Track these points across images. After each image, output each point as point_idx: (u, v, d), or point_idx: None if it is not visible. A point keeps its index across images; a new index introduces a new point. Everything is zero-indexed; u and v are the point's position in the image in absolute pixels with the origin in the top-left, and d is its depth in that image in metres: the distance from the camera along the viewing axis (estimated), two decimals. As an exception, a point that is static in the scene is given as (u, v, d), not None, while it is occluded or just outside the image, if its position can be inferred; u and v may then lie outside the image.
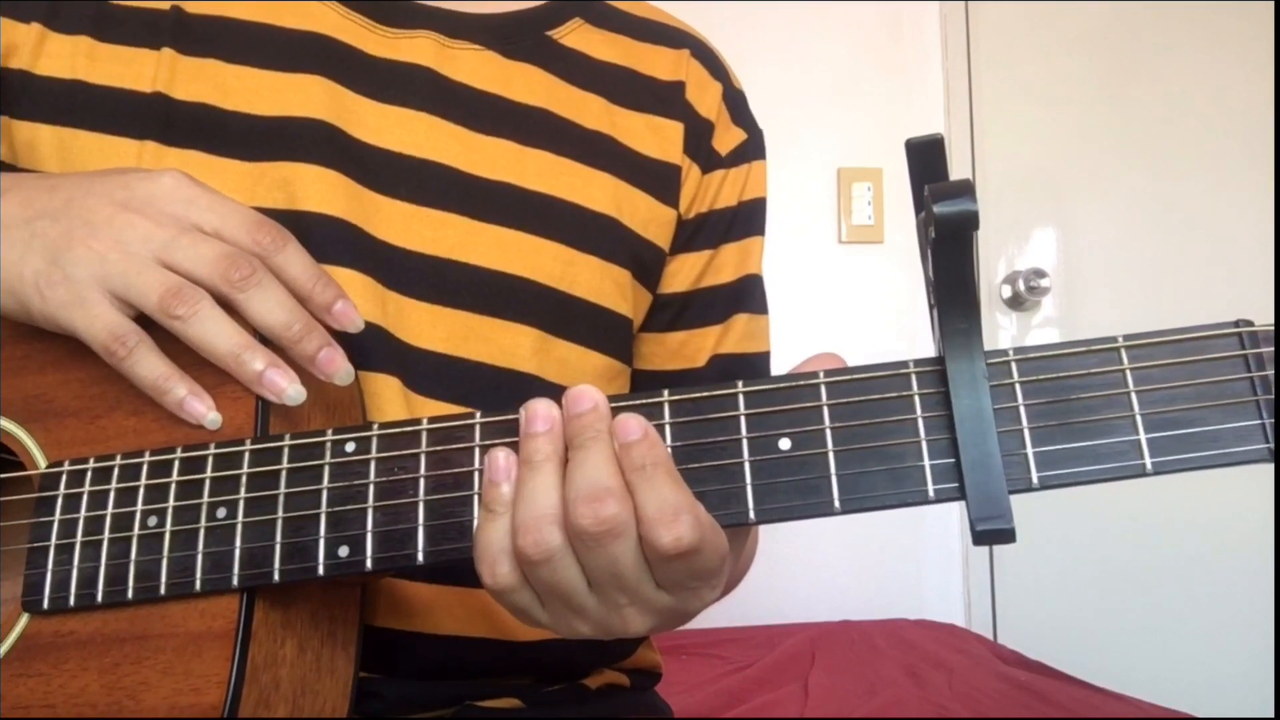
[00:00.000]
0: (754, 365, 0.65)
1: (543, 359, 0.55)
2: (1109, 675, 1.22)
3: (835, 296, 1.74)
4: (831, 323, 1.74)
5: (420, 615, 0.52)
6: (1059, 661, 1.28)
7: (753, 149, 0.65)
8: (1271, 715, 1.60)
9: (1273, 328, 0.34)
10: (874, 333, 1.74)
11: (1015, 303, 1.78)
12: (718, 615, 1.56)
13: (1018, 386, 0.35)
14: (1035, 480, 0.33)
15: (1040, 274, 1.75)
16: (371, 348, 0.50)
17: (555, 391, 0.55)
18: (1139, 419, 0.33)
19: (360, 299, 0.50)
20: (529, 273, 0.54)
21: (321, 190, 0.51)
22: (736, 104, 0.65)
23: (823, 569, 1.66)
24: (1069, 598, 1.71)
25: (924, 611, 1.59)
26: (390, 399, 0.50)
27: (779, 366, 0.67)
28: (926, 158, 0.33)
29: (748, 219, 0.64)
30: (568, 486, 0.36)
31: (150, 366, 0.42)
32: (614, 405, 0.37)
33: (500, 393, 0.53)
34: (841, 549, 1.66)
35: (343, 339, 0.44)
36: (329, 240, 0.50)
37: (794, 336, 1.78)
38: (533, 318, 0.54)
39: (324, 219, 0.51)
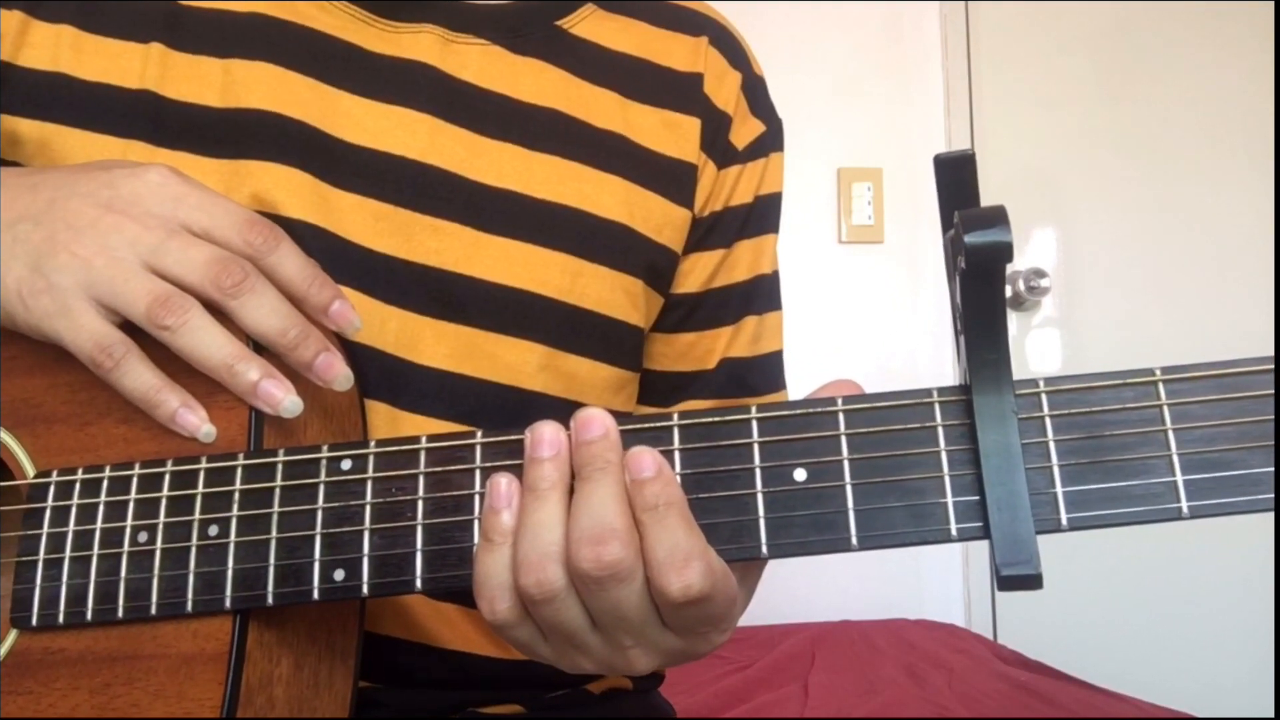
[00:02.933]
0: (764, 368, 0.63)
1: (550, 375, 0.53)
2: (1109, 675, 1.22)
3: (835, 296, 1.74)
4: (831, 323, 1.73)
5: (423, 627, 0.51)
6: (1059, 661, 1.27)
7: (771, 141, 0.62)
8: (1271, 715, 1.60)
9: None
10: (874, 333, 1.73)
11: (1015, 303, 1.78)
12: (716, 616, 1.56)
13: (1048, 420, 0.33)
14: (1064, 521, 0.32)
15: (1040, 274, 1.74)
16: (363, 369, 0.48)
17: (562, 408, 0.52)
18: (1176, 459, 0.31)
19: None
20: (535, 286, 0.52)
21: (288, 192, 0.49)
22: (756, 93, 0.62)
23: (823, 569, 1.65)
24: (1069, 598, 1.71)
25: (924, 611, 1.58)
26: (378, 426, 0.49)
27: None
28: (956, 175, 0.32)
29: (763, 215, 0.62)
30: (571, 523, 0.34)
31: (139, 378, 0.40)
32: (623, 429, 0.36)
33: (505, 411, 0.51)
34: (840, 549, 1.66)
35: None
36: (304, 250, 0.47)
37: (794, 337, 1.77)
38: (539, 333, 0.52)
39: (293, 223, 0.48)
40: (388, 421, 0.49)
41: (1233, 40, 1.83)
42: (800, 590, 1.63)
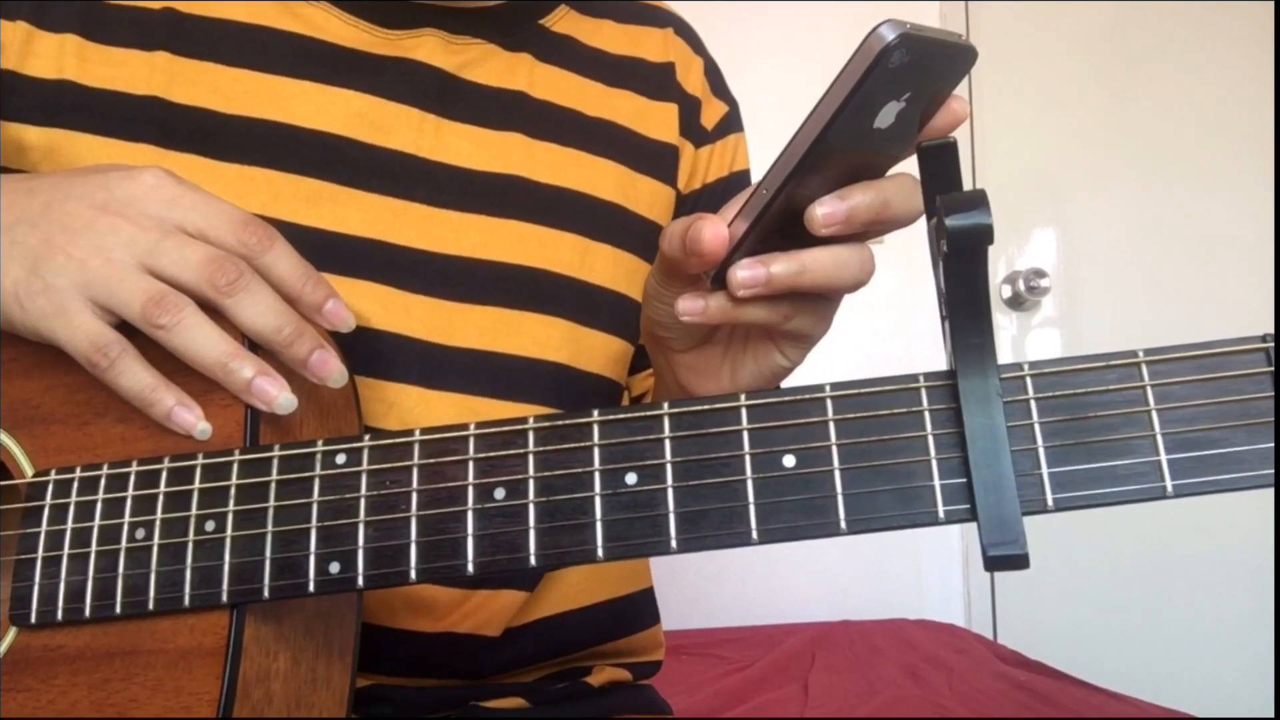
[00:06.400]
0: None
1: (573, 348, 0.55)
2: (1109, 675, 1.21)
3: (834, 296, 1.74)
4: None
5: (420, 614, 0.52)
6: (1059, 661, 1.27)
7: (734, 121, 0.67)
8: (1271, 715, 1.60)
9: None
10: (873, 332, 1.73)
11: (1015, 303, 1.78)
12: (718, 615, 1.56)
13: (1033, 403, 0.33)
14: (1050, 502, 0.32)
15: (1040, 274, 1.74)
16: (394, 357, 0.50)
17: (587, 379, 0.56)
18: (1160, 439, 0.32)
19: (382, 308, 0.50)
20: (550, 265, 0.55)
21: (304, 199, 0.50)
22: (716, 77, 0.67)
23: (823, 569, 1.65)
24: (1069, 597, 1.71)
25: (924, 611, 1.58)
26: (410, 409, 0.50)
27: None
28: (939, 162, 0.32)
29: (739, 190, 0.67)
30: None
31: (134, 377, 0.41)
32: (613, 419, 0.36)
33: (539, 381, 0.54)
34: (842, 549, 1.66)
35: (367, 351, 0.43)
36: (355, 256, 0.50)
37: (793, 336, 1.78)
38: (559, 308, 0.55)
39: (309, 231, 0.50)
40: (419, 403, 0.51)
41: (1233, 40, 1.83)
42: (800, 590, 1.63)
